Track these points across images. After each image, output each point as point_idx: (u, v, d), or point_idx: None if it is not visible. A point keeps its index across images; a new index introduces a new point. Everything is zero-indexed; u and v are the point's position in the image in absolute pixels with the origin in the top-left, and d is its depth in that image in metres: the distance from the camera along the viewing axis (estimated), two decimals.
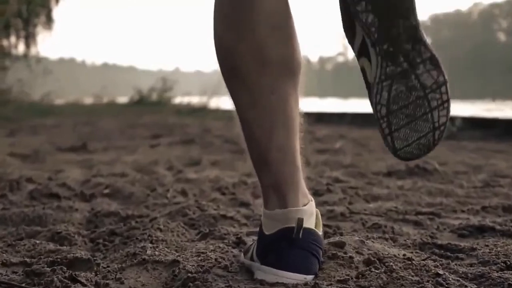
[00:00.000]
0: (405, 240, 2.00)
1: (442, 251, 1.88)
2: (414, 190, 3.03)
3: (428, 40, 1.58)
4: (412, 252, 1.82)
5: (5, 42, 24.79)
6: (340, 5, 1.61)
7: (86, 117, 13.20)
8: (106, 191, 2.95)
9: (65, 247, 1.92)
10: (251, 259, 1.69)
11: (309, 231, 1.59)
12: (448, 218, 2.42)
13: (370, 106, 1.59)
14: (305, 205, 1.61)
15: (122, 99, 20.75)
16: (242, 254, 1.76)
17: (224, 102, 16.85)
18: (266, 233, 1.63)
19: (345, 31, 1.64)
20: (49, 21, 25.69)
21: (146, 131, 8.94)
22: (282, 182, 1.65)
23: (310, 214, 1.61)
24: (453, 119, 8.71)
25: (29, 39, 25.01)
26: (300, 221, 1.58)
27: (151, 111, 15.26)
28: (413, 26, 1.54)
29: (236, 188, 3.06)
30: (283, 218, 1.60)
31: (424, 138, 1.55)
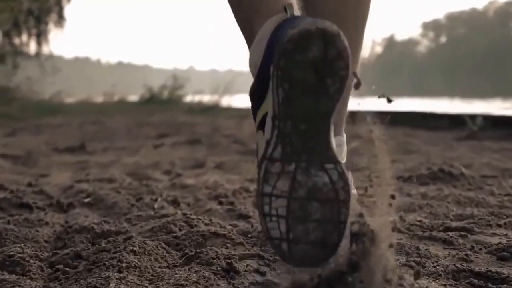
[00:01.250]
0: (434, 266, 1.63)
1: (482, 282, 1.51)
2: (440, 198, 2.63)
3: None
4: (445, 286, 1.45)
5: (16, 40, 24.62)
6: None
7: (95, 116, 12.87)
8: (87, 199, 2.59)
9: (14, 276, 1.55)
10: None
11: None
12: (483, 235, 2.04)
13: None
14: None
15: (134, 98, 20.46)
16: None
17: (236, 100, 16.55)
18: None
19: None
20: (60, 19, 25.48)
21: (153, 130, 8.60)
22: None
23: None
24: (473, 117, 8.32)
25: (41, 37, 24.84)
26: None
27: (161, 109, 14.92)
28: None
29: (236, 196, 2.69)
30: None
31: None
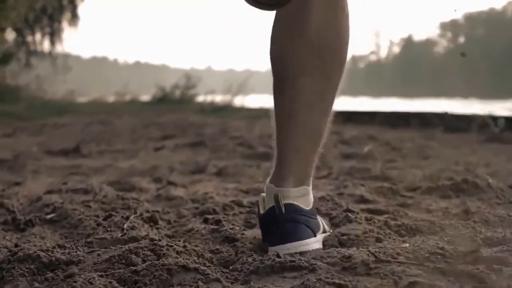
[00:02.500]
0: None
1: None
2: (465, 216, 2.23)
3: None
4: None
5: (30, 39, 24.37)
6: None
7: (104, 116, 12.53)
8: (50, 216, 2.21)
9: None
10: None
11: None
12: None
13: None
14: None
15: (146, 97, 20.14)
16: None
17: (249, 100, 16.17)
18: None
19: None
20: (74, 18, 25.25)
21: (158, 131, 8.23)
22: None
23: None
24: (495, 118, 7.92)
25: (54, 36, 24.61)
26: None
27: (172, 109, 14.57)
28: None
29: (225, 212, 2.31)
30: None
31: None
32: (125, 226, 1.96)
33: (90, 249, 1.76)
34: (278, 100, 1.80)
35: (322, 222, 1.94)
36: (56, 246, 1.79)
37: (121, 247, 1.67)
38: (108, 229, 1.96)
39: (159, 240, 1.71)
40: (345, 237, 1.81)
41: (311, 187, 1.89)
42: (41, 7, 24.19)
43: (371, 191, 2.69)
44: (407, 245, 1.78)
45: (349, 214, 2.09)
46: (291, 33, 1.76)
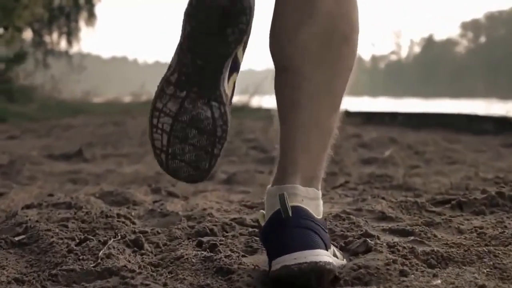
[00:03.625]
0: None
1: None
2: (505, 241, 1.88)
3: None
4: None
5: (47, 39, 24.22)
6: None
7: (118, 117, 12.26)
8: (20, 238, 1.89)
9: None
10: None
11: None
12: None
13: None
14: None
15: None
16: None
17: (266, 101, 15.84)
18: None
19: None
20: (91, 17, 25.09)
21: None
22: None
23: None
24: None
25: (71, 35, 24.45)
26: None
27: None
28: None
29: (225, 233, 1.98)
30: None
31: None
32: (100, 253, 1.63)
33: (53, 286, 1.45)
34: (280, 92, 1.64)
35: (333, 247, 1.66)
36: (13, 281, 1.48)
37: (87, 286, 1.35)
38: (80, 257, 1.63)
39: (132, 278, 1.39)
40: (362, 270, 1.48)
41: (321, 193, 1.64)
42: (58, 7, 24.10)
43: (393, 206, 2.36)
44: (439, 281, 1.45)
45: (368, 240, 1.76)
46: (297, 22, 1.60)
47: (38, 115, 11.58)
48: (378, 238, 1.81)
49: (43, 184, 3.70)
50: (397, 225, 2.08)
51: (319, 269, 1.42)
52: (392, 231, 2.02)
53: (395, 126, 9.09)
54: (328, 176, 4.18)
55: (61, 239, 1.81)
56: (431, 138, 6.88)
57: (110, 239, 1.77)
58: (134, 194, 2.69)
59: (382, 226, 2.07)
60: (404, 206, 2.35)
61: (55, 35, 24.30)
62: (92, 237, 1.79)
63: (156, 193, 2.94)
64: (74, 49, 25.24)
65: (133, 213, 2.29)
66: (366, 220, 2.10)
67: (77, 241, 1.78)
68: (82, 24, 24.98)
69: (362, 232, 1.86)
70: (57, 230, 1.89)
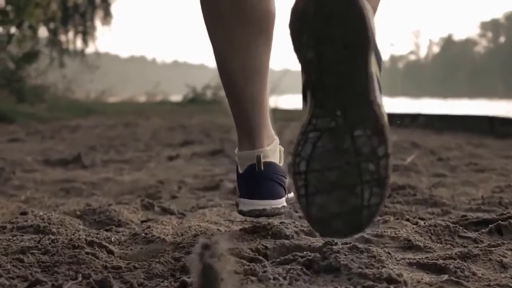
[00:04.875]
0: None
1: None
2: None
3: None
4: None
5: (63, 38, 24.03)
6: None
7: (131, 117, 11.94)
8: None
9: None
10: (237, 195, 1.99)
11: (269, 164, 1.90)
12: None
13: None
14: (269, 145, 1.93)
15: (178, 97, 19.61)
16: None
17: (283, 101, 15.50)
18: (240, 172, 1.97)
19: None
20: (107, 16, 24.92)
21: (181, 135, 7.60)
22: (252, 129, 1.92)
23: (273, 151, 1.94)
24: None
25: (87, 34, 24.29)
26: (258, 157, 1.89)
27: (202, 110, 13.96)
28: (363, 85, 1.35)
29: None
30: (250, 157, 1.92)
31: (347, 214, 1.36)
32: None
33: None
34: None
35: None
36: None
37: None
38: None
39: None
40: None
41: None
42: (73, 5, 23.91)
43: (420, 230, 1.99)
44: None
45: (392, 276, 1.40)
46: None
47: (47, 116, 11.29)
48: (405, 284, 1.44)
49: (31, 194, 3.36)
50: (427, 258, 1.72)
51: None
52: (421, 266, 1.65)
53: (416, 128, 8.70)
54: None
55: (11, 278, 1.45)
56: (454, 142, 6.49)
57: (68, 280, 1.41)
58: (120, 212, 2.32)
59: (409, 259, 1.70)
60: (433, 231, 1.98)
61: (70, 34, 24.14)
62: (45, 279, 1.42)
63: (148, 209, 2.57)
64: (90, 48, 25.10)
65: (113, 238, 1.93)
66: (389, 252, 1.74)
67: (26, 284, 1.42)
68: (97, 23, 24.85)
69: (385, 276, 1.49)
70: (9, 266, 1.53)
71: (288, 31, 1.38)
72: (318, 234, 1.55)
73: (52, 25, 22.39)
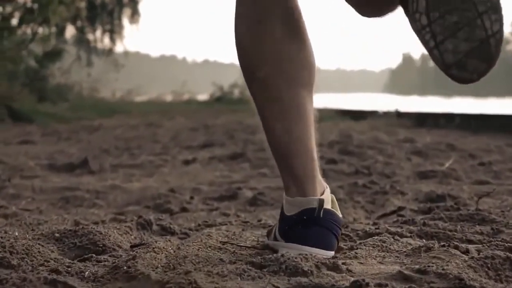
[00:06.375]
0: None
1: None
2: None
3: None
4: None
5: (90, 36, 23.82)
6: None
7: (156, 117, 11.58)
8: None
9: None
10: (275, 239, 1.82)
11: (328, 211, 1.74)
12: None
13: (408, 19, 1.47)
14: (322, 194, 1.76)
15: (205, 96, 19.25)
16: (266, 237, 1.91)
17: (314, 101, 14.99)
18: (288, 214, 1.77)
19: None
20: (134, 15, 24.68)
21: (204, 136, 7.21)
22: (301, 173, 1.76)
23: (327, 201, 1.76)
24: None
25: (114, 33, 24.07)
26: (321, 201, 1.73)
27: (229, 109, 13.56)
28: None
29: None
30: (305, 203, 1.74)
31: (478, 48, 1.42)
32: None
33: None
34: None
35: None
36: None
37: None
38: None
39: None
40: None
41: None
42: (100, 4, 23.70)
43: (474, 264, 1.56)
44: None
45: None
46: None
47: (69, 116, 10.96)
48: None
49: (25, 205, 3.01)
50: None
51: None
52: None
53: (452, 129, 8.23)
54: (376, 195, 3.45)
55: None
56: (494, 144, 6.03)
57: None
58: (107, 234, 1.92)
59: None
60: (491, 264, 1.55)
61: (98, 33, 23.91)
62: None
63: (145, 229, 2.16)
64: (119, 47, 24.93)
65: (86, 273, 1.54)
66: None
67: None
68: (125, 21, 24.63)
69: None
70: None
71: None
72: (459, 81, 1.50)
73: (79, 24, 22.23)
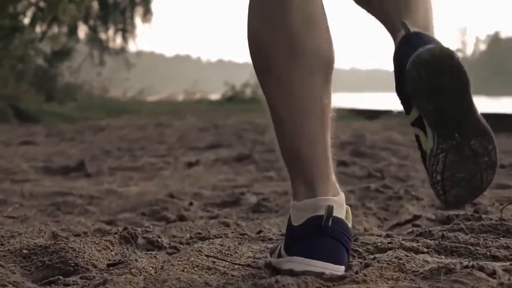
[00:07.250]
0: None
1: None
2: None
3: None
4: None
5: (103, 36, 23.70)
6: (398, 82, 1.63)
7: (165, 117, 11.38)
8: None
9: None
10: (279, 256, 1.67)
11: (338, 219, 1.60)
12: None
13: (426, 171, 1.62)
14: (334, 196, 1.62)
15: (217, 96, 19.10)
16: (269, 255, 1.75)
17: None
18: (295, 224, 1.63)
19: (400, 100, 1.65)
20: (147, 14, 24.57)
21: (210, 137, 7.00)
22: (313, 173, 1.63)
23: (340, 205, 1.62)
24: None
25: (127, 32, 23.97)
26: (330, 208, 1.58)
27: (240, 109, 13.36)
28: (468, 103, 1.58)
29: None
30: (312, 207, 1.60)
31: (473, 194, 1.65)
32: None
33: None
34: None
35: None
36: None
37: None
38: None
39: None
40: None
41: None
42: (113, 3, 23.58)
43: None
44: None
45: None
46: None
47: (76, 115, 10.77)
48: None
49: (11, 212, 2.80)
50: None
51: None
52: None
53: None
54: (390, 201, 3.22)
55: None
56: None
57: None
58: (82, 250, 1.68)
59: None
60: None
61: (110, 32, 23.80)
62: None
63: (128, 243, 1.91)
64: (132, 47, 24.85)
65: None
66: None
67: None
68: (138, 20, 24.51)
69: None
70: None
71: (408, 92, 1.56)
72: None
73: (91, 23, 22.13)
